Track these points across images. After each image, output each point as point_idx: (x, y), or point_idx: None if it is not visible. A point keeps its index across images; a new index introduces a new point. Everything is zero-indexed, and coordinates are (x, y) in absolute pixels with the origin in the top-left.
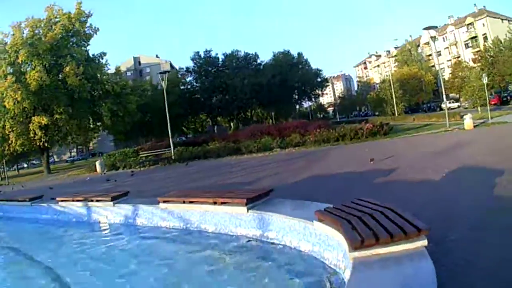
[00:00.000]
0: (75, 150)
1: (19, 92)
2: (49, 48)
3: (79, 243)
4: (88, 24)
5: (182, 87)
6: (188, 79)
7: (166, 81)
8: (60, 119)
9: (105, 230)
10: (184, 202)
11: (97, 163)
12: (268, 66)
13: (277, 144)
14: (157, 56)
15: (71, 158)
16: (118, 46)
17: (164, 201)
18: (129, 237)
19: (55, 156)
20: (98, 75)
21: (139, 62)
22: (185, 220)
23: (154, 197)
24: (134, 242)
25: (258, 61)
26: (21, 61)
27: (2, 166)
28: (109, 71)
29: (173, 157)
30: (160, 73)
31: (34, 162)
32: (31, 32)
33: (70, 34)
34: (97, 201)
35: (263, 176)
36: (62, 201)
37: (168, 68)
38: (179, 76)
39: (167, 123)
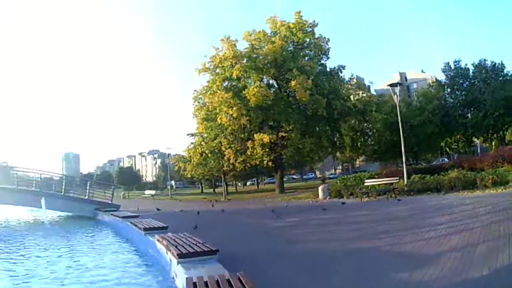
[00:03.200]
0: (340, 166)
1: (235, 108)
2: (272, 61)
3: None
4: (317, 35)
5: (435, 102)
6: (440, 94)
7: (398, 95)
8: (287, 137)
9: None
10: None
11: (320, 189)
12: None
13: None
14: (422, 71)
15: (332, 175)
16: (384, 61)
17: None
18: None
19: (317, 172)
20: (341, 90)
21: (406, 77)
22: None
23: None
24: None
25: (505, 71)
26: (236, 75)
27: (219, 182)
28: (350, 85)
29: (405, 188)
30: (391, 85)
31: (294, 177)
32: (251, 46)
33: (299, 46)
34: (172, 253)
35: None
36: (161, 239)
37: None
38: (432, 90)
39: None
